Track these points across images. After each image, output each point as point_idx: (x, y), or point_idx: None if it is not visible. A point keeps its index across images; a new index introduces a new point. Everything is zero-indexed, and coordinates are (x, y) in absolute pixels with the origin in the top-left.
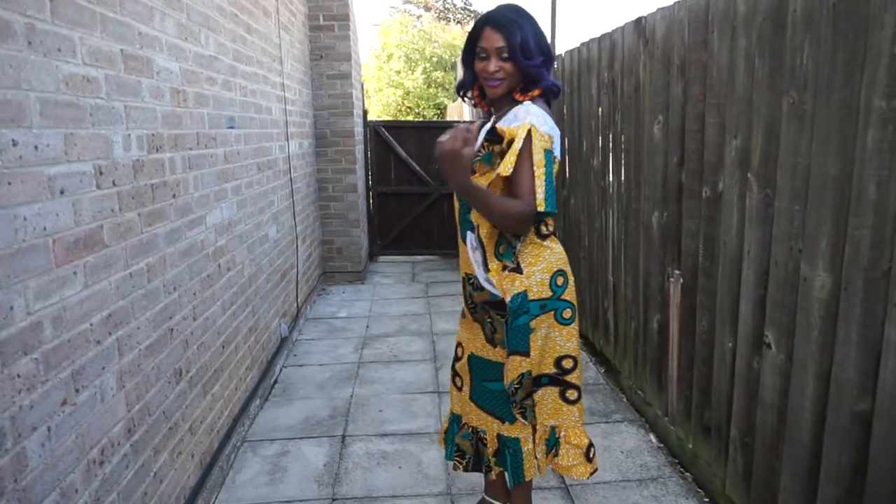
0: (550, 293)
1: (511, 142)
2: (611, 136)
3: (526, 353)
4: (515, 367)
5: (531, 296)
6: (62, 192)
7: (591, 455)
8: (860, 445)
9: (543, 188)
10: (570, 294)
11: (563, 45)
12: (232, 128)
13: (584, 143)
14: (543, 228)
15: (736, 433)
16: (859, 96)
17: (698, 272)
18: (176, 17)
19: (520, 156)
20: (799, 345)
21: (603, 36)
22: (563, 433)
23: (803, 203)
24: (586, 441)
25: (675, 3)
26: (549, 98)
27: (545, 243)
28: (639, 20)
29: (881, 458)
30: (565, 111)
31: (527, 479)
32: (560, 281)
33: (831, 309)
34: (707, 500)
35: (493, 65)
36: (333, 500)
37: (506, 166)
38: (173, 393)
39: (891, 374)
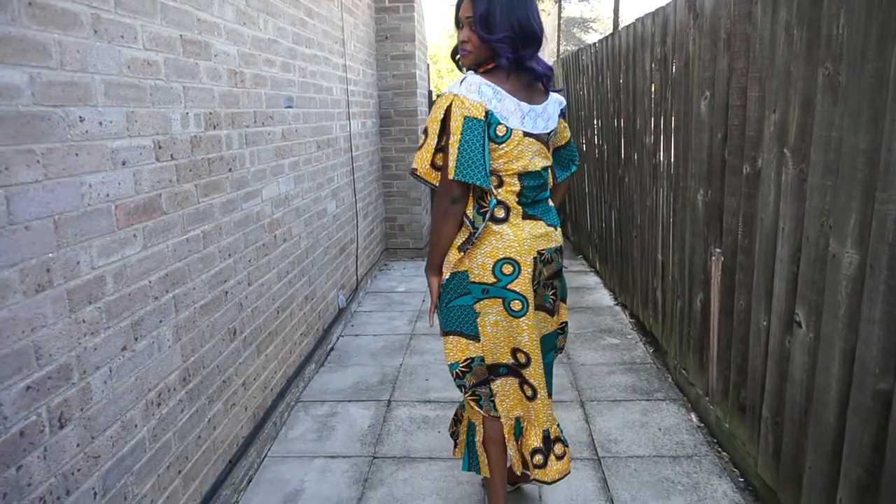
0: (494, 279)
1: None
2: (662, 113)
3: (475, 337)
4: (462, 349)
5: (472, 278)
6: (124, 164)
7: (536, 461)
8: (881, 424)
9: (455, 157)
10: (520, 285)
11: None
12: (290, 107)
13: (638, 120)
14: (498, 211)
15: (767, 412)
16: (891, 66)
17: (737, 250)
18: (235, 4)
19: (440, 126)
20: (827, 323)
21: (657, 10)
22: (524, 426)
23: (835, 178)
24: (534, 444)
25: None
26: (512, 71)
27: (496, 227)
28: None
29: None
30: (622, 89)
31: (482, 474)
32: (508, 270)
33: (857, 286)
34: (742, 479)
35: (463, 34)
36: (374, 457)
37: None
38: (227, 350)
39: None
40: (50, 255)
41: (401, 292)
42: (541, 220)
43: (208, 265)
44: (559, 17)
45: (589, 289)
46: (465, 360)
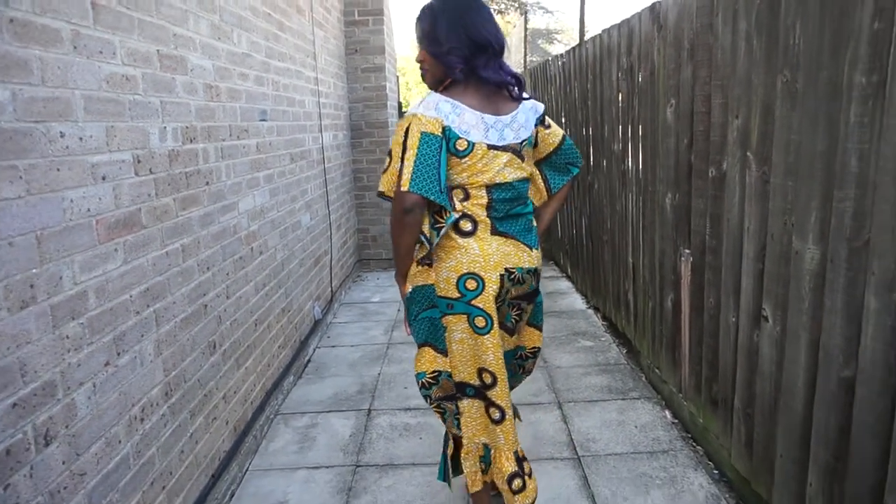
0: (458, 294)
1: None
2: (629, 120)
3: (443, 352)
4: (431, 361)
5: (438, 292)
6: (104, 178)
7: (516, 486)
8: (846, 409)
9: (411, 170)
10: (483, 302)
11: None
12: (264, 120)
13: (606, 128)
14: (464, 225)
15: (739, 405)
16: (843, 73)
17: (706, 250)
18: (209, 19)
19: (402, 149)
20: (792, 316)
21: (622, 22)
22: (493, 453)
23: (795, 179)
24: (510, 469)
25: None
26: (473, 84)
27: (461, 241)
28: (653, 6)
29: (864, 419)
30: (589, 98)
31: (450, 484)
32: (472, 285)
33: (819, 280)
34: (716, 471)
35: (419, 54)
36: (357, 466)
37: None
38: (207, 363)
39: (870, 339)
40: (33, 270)
41: (375, 302)
42: (514, 238)
43: (188, 279)
44: (525, 30)
45: (561, 293)
46: (433, 372)
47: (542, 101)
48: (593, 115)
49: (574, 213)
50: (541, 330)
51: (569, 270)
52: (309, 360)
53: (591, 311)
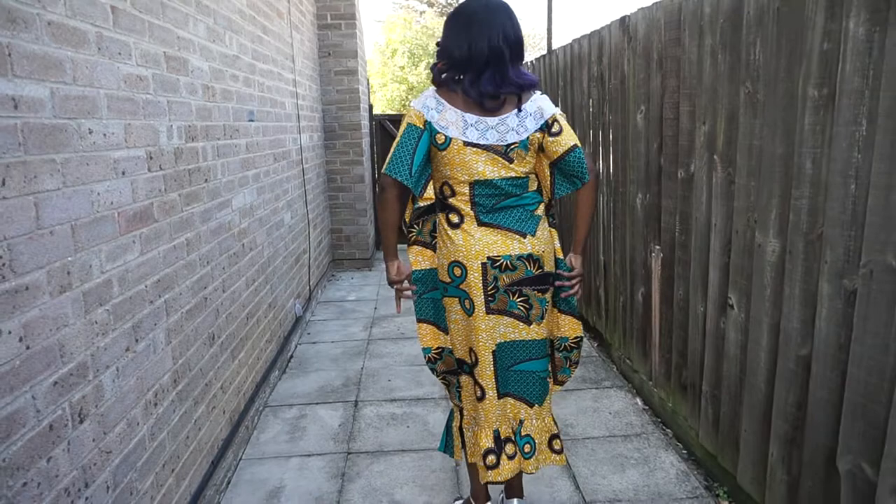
0: (449, 280)
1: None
2: (600, 126)
3: (445, 330)
4: (434, 337)
5: (439, 276)
6: (123, 173)
7: (489, 462)
8: (803, 385)
9: (391, 155)
10: (467, 286)
11: (562, 41)
12: (252, 120)
13: (577, 132)
14: (453, 217)
15: (707, 387)
16: (798, 86)
17: (675, 246)
18: (206, 22)
19: None
20: (755, 303)
21: (593, 33)
22: (475, 428)
23: (758, 179)
24: (486, 445)
25: (653, 4)
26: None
27: (450, 232)
28: (623, 19)
29: (818, 393)
30: (559, 104)
31: (454, 457)
32: (457, 272)
33: (779, 270)
34: (685, 451)
35: None
36: (349, 453)
37: None
38: (208, 354)
39: (824, 321)
40: (69, 258)
41: (352, 301)
42: (502, 227)
43: (192, 271)
44: None
45: None
46: (437, 349)
47: None
48: None
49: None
50: (577, 318)
51: None
52: (291, 356)
53: None
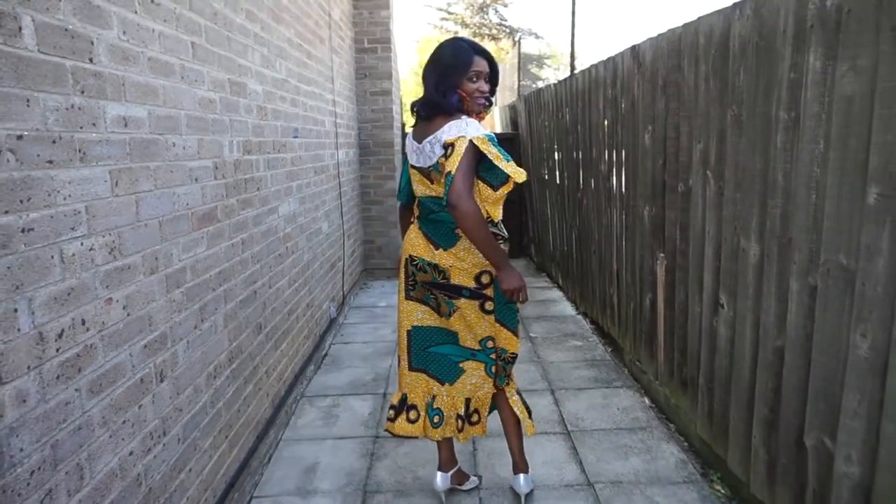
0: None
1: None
2: (614, 144)
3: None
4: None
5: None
6: (196, 180)
7: (389, 416)
8: (779, 371)
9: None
10: (399, 272)
11: (591, 59)
12: (296, 137)
13: (594, 151)
14: (413, 218)
15: (703, 381)
16: (773, 110)
17: (677, 253)
18: (261, 51)
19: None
20: (740, 302)
21: (608, 59)
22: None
23: (741, 191)
24: (392, 402)
25: (658, 35)
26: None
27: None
28: (634, 46)
29: (790, 379)
30: (579, 123)
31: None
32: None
33: (759, 271)
34: (685, 443)
35: (485, 86)
36: (377, 437)
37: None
38: (256, 341)
39: (794, 315)
40: (157, 247)
41: (382, 307)
42: (426, 236)
43: (245, 267)
44: (519, 57)
45: (553, 301)
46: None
47: (536, 126)
48: (583, 138)
49: (565, 228)
50: (514, 334)
51: (560, 281)
52: (325, 354)
53: (580, 317)
